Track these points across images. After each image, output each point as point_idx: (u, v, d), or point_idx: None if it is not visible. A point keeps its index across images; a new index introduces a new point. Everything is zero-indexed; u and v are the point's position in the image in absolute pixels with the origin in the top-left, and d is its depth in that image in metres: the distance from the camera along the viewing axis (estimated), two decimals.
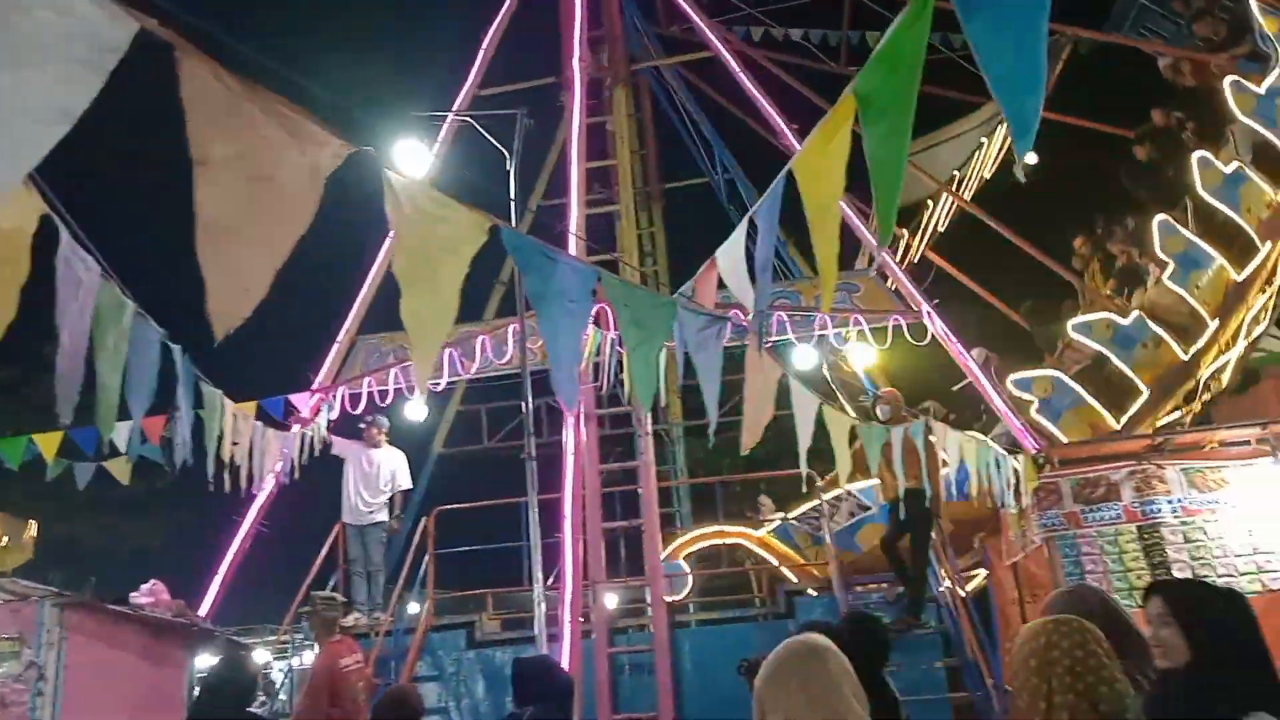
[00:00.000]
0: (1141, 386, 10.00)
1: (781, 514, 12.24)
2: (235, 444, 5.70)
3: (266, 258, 2.00)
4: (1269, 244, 10.40)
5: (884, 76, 2.23)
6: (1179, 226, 10.69)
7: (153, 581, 9.16)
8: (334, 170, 2.09)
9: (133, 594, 8.93)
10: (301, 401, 10.48)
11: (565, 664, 8.28)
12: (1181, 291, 10.30)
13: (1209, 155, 10.87)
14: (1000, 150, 14.86)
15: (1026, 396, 10.41)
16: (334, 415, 10.73)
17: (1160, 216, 10.77)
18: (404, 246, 2.34)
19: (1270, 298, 10.82)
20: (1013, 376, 10.48)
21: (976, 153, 15.19)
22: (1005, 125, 14.36)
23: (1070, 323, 10.63)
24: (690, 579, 11.82)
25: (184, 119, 1.86)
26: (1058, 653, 2.20)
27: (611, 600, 10.65)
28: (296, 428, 9.61)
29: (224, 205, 1.94)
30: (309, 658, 10.01)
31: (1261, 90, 10.93)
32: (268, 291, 2.01)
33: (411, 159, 8.73)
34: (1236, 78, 11.07)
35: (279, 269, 2.04)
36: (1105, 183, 13.34)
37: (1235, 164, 10.74)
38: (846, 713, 2.17)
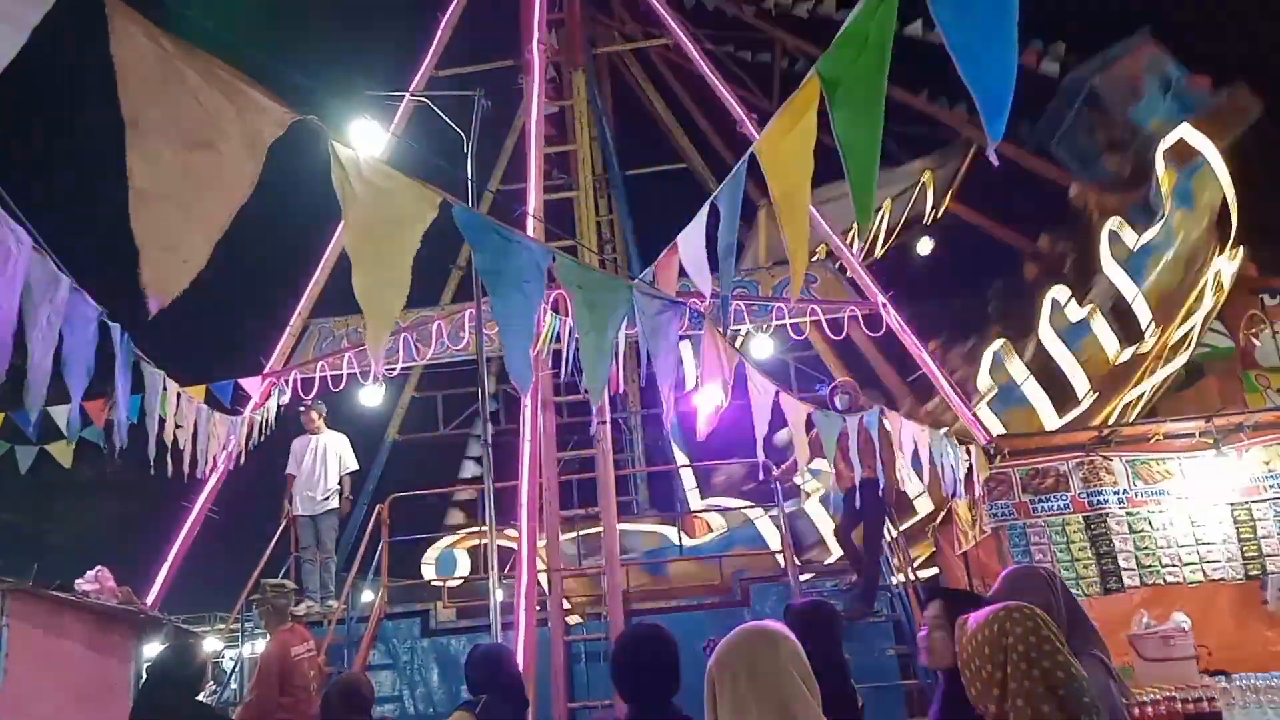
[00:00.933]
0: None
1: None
2: (179, 427, 5.55)
3: (204, 228, 1.92)
4: (1091, 397, 10.52)
5: (851, 58, 2.20)
6: (1008, 360, 10.87)
7: (98, 568, 8.95)
8: (275, 139, 2.01)
9: (78, 581, 8.72)
10: (252, 386, 10.28)
11: (520, 653, 8.23)
12: (994, 420, 10.41)
13: (1060, 298, 11.00)
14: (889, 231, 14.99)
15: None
16: (285, 400, 10.54)
17: (994, 345, 10.93)
18: (353, 222, 2.27)
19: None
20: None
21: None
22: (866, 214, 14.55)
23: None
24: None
25: (115, 79, 1.77)
26: (1012, 639, 2.19)
27: (569, 587, 10.61)
28: (246, 412, 9.43)
29: (158, 171, 1.86)
30: (260, 646, 9.87)
31: (1136, 244, 11.04)
32: (206, 264, 1.93)
33: (366, 139, 8.57)
34: (1118, 225, 11.18)
35: (218, 240, 1.96)
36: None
37: (1086, 311, 10.85)
38: (793, 697, 2.16)
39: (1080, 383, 10.65)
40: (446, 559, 12.48)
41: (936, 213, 15.69)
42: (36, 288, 2.54)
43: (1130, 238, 11.16)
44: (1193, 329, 11.30)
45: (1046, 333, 10.92)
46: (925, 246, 13.11)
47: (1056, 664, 2.15)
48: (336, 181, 2.20)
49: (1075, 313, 10.92)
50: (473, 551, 12.51)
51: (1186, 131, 11.12)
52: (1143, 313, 10.84)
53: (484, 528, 11.00)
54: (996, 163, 1.83)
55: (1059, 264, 12.55)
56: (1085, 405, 10.52)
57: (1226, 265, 11.31)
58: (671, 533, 12.17)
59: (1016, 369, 10.84)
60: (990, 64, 1.84)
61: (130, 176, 1.82)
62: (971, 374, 11.40)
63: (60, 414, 8.24)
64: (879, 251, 15.39)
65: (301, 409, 10.42)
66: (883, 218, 15.09)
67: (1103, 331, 10.78)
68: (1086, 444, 8.17)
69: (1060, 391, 10.72)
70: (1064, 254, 12.54)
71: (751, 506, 11.34)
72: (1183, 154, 11.25)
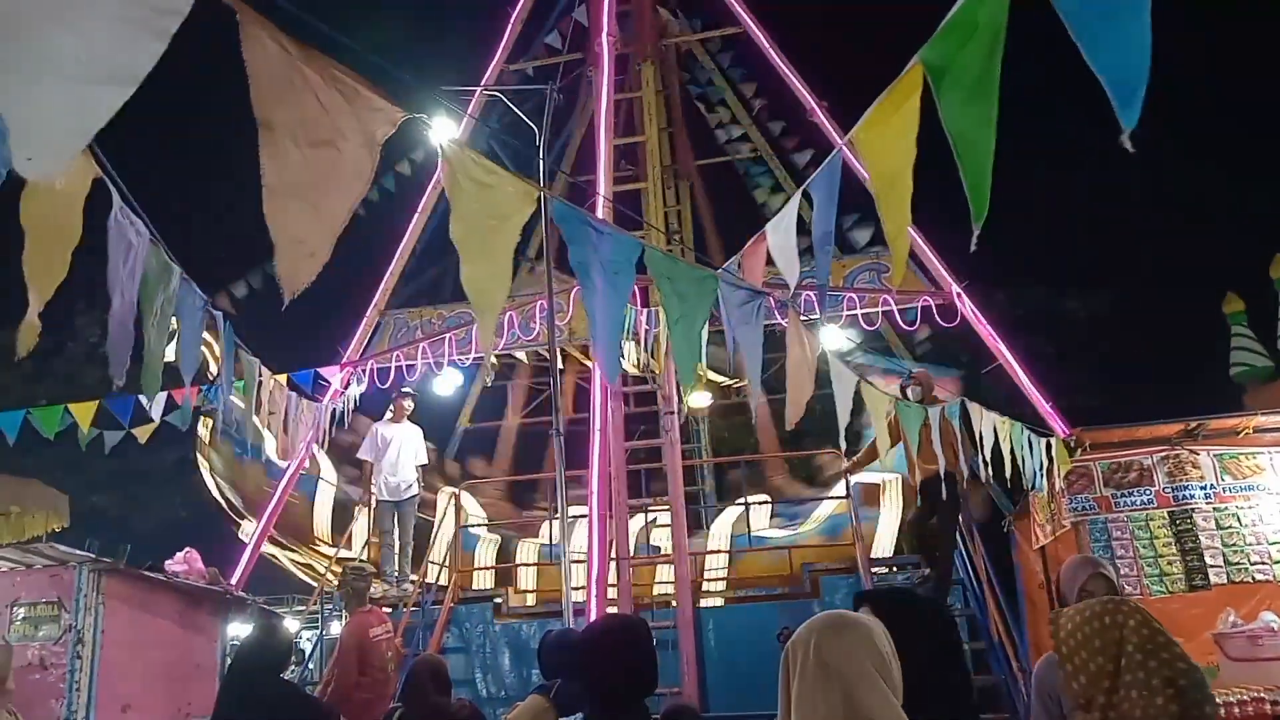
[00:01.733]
0: None
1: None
2: (272, 414, 5.74)
3: (328, 223, 2.00)
4: None
5: (957, 46, 2.16)
6: None
7: (186, 550, 9.30)
8: (388, 136, 2.08)
9: (167, 562, 9.07)
10: (331, 375, 10.55)
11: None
12: None
13: None
14: None
15: None
16: (363, 389, 10.81)
17: None
18: (460, 215, 2.34)
19: None
20: None
21: None
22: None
23: None
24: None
25: (247, 83, 1.85)
26: (1126, 631, 2.16)
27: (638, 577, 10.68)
28: (326, 400, 9.70)
29: (287, 169, 1.94)
30: (337, 627, 10.15)
31: None
32: (329, 255, 2.01)
33: (441, 134, 8.70)
34: None
35: (339, 234, 2.04)
36: None
37: None
38: (860, 685, 2.11)
39: None
40: None
41: None
42: (152, 279, 2.67)
43: None
44: None
45: None
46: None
47: (1175, 655, 2.12)
48: (445, 179, 2.27)
49: None
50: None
51: None
52: None
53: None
54: (1132, 149, 1.72)
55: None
56: None
57: None
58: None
59: None
60: (1121, 45, 1.77)
61: (263, 175, 1.91)
62: None
63: (154, 400, 8.59)
64: None
65: (397, 395, 10.59)
66: None
67: None
68: (1172, 437, 7.93)
69: None
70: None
71: (828, 498, 11.25)
72: None
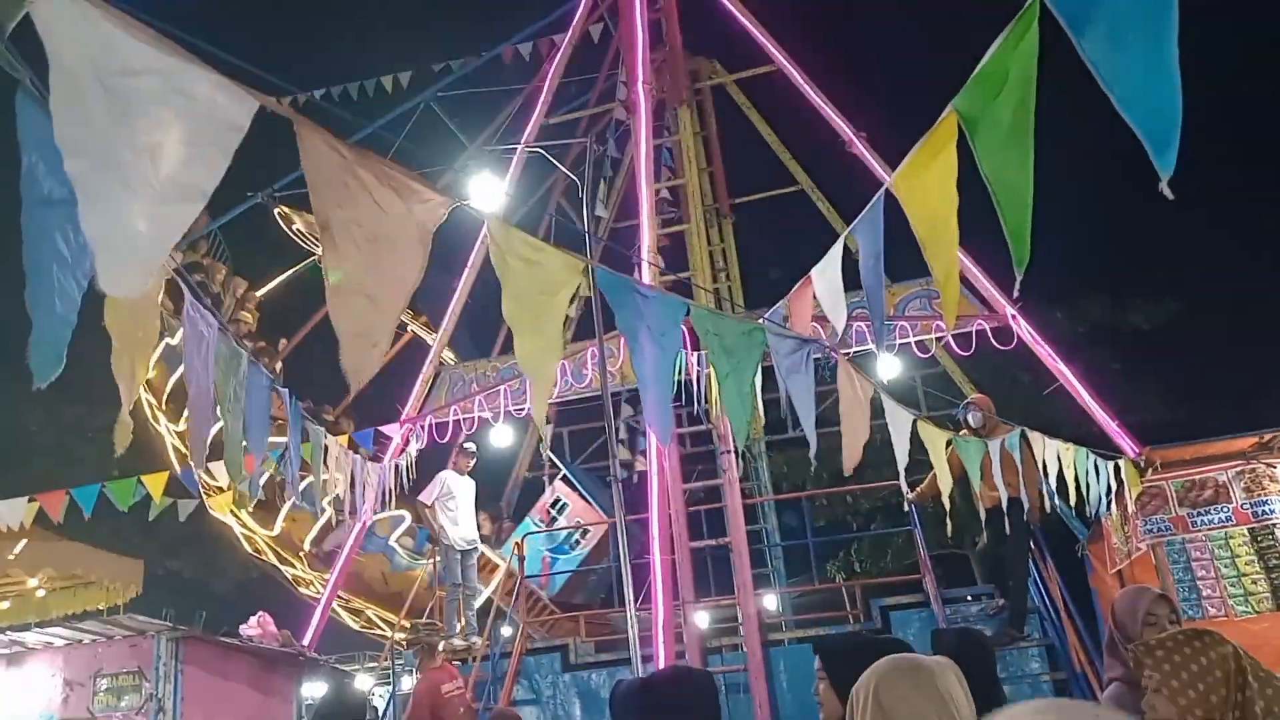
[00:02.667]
0: None
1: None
2: (339, 476, 5.89)
3: (386, 313, 2.09)
4: None
5: (990, 96, 2.20)
6: None
7: (260, 613, 9.49)
8: (439, 225, 2.17)
9: (241, 626, 9.26)
10: (391, 432, 10.75)
11: None
12: None
13: None
14: None
15: None
16: (422, 444, 10.97)
17: None
18: (510, 292, 2.42)
19: None
20: None
21: None
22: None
23: None
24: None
25: (307, 187, 1.96)
26: (1242, 661, 2.13)
27: (703, 620, 10.61)
28: (387, 458, 9.86)
29: (347, 266, 2.04)
30: (409, 683, 10.22)
31: None
32: (389, 344, 2.10)
33: (485, 192, 8.91)
34: None
35: (397, 322, 2.12)
36: None
37: None
38: None
39: None
40: None
41: None
42: (224, 363, 2.80)
43: None
44: None
45: None
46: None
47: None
48: (494, 257, 2.35)
49: None
50: None
51: None
52: None
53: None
54: (1171, 196, 1.72)
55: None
56: None
57: None
58: None
59: None
60: (1152, 94, 1.78)
61: (325, 274, 2.01)
62: None
63: (221, 469, 8.83)
64: None
65: (458, 450, 10.71)
66: None
67: None
68: (1247, 451, 7.69)
69: None
70: None
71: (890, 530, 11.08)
72: None
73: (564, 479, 14.43)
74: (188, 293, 2.52)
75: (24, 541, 8.65)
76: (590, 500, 14.24)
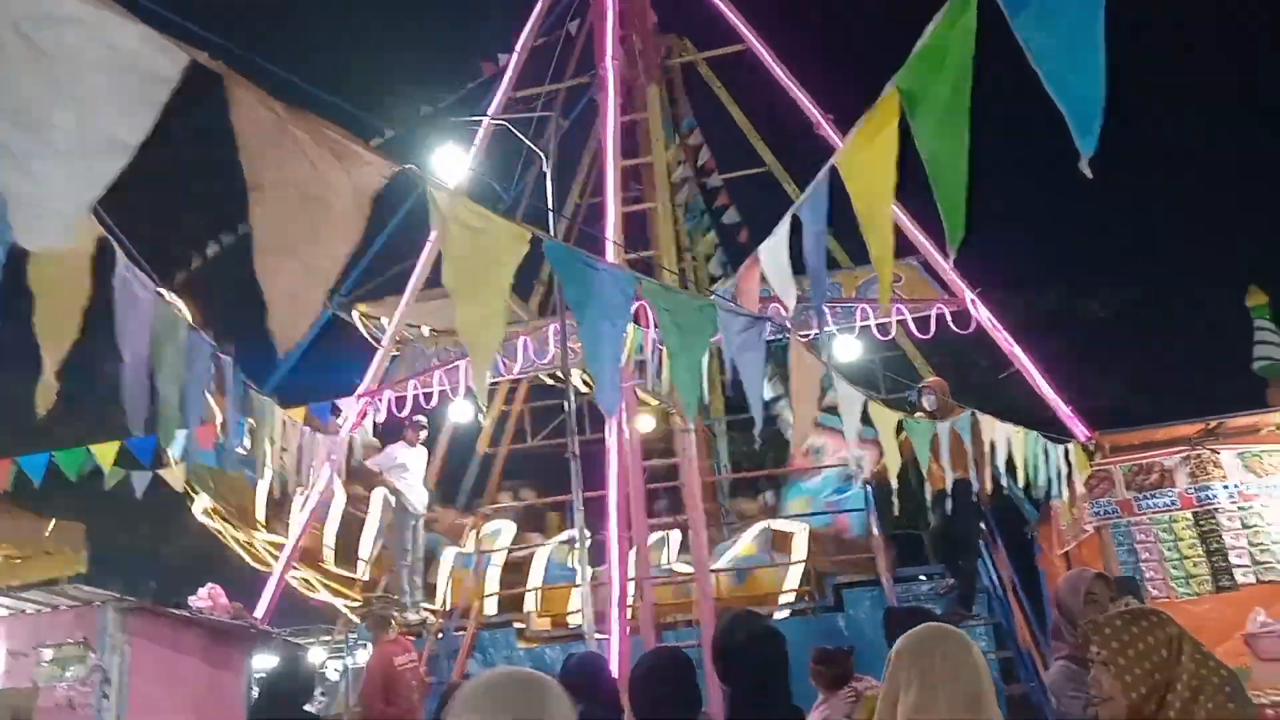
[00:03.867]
0: None
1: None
2: (284, 450, 5.81)
3: (319, 276, 2.05)
4: None
5: (930, 72, 2.21)
6: None
7: (210, 585, 9.38)
8: (378, 189, 2.13)
9: (191, 598, 9.15)
10: (348, 406, 10.64)
11: (614, 661, 8.32)
12: None
13: None
14: None
15: None
16: (380, 419, 10.89)
17: None
18: (452, 260, 2.39)
19: None
20: None
21: None
22: None
23: None
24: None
25: (236, 146, 1.91)
26: (1183, 641, 2.21)
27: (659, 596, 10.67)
28: (344, 431, 9.77)
29: (277, 227, 1.99)
30: (364, 657, 10.19)
31: None
32: (321, 307, 2.06)
33: (449, 164, 8.81)
34: None
35: (331, 287, 2.08)
36: None
37: None
38: (984, 693, 2.19)
39: None
40: None
41: None
42: (162, 329, 2.73)
43: None
44: None
45: None
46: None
47: (1218, 661, 2.17)
48: (436, 225, 2.31)
49: None
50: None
51: None
52: None
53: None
54: (1090, 175, 1.77)
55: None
56: None
57: None
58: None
59: None
60: (1077, 75, 1.81)
61: (255, 234, 1.96)
62: None
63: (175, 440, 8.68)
64: None
65: (411, 422, 10.73)
66: None
67: None
68: (1193, 437, 7.86)
69: None
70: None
71: (839, 513, 11.17)
72: None
73: None
74: (121, 255, 2.46)
75: None
76: None
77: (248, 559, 11.13)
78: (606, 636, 8.77)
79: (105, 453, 8.87)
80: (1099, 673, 2.31)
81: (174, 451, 8.40)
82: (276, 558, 10.62)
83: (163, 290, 2.89)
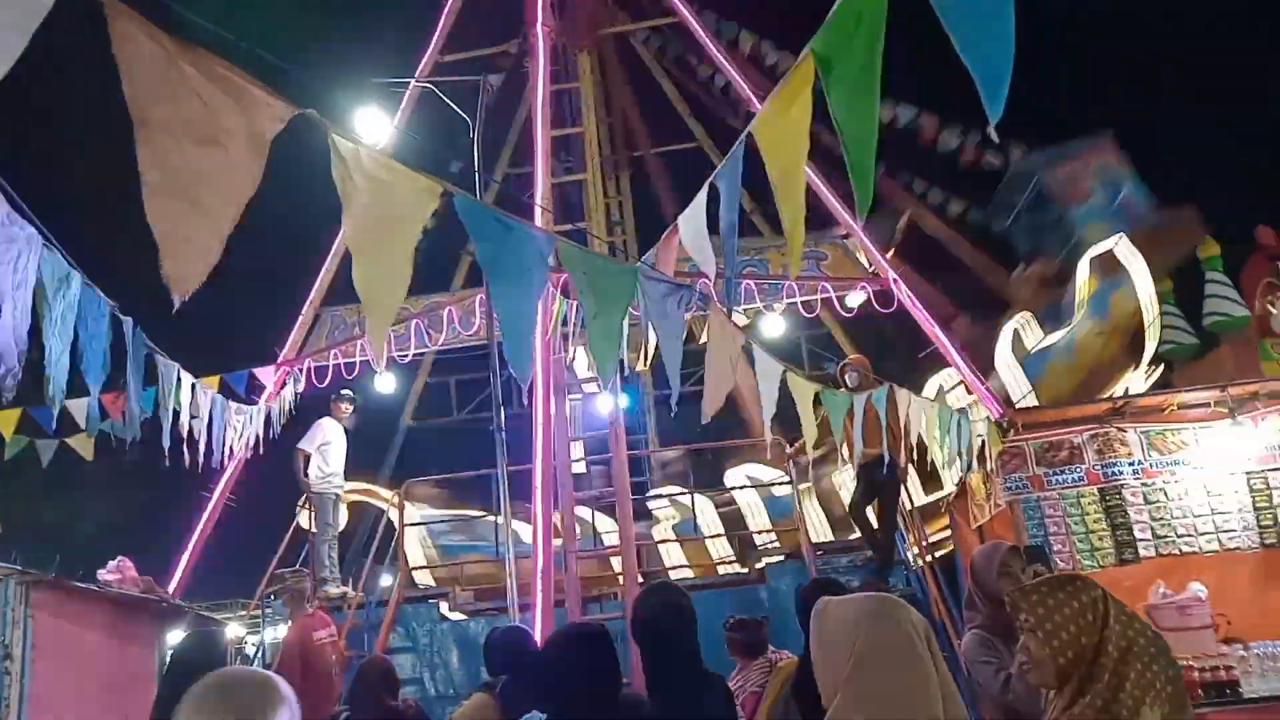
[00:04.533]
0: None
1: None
2: (194, 418, 5.61)
3: (216, 223, 1.95)
4: None
5: (844, 37, 2.19)
6: None
7: (119, 558, 9.07)
8: (278, 134, 2.03)
9: (100, 571, 8.84)
10: (266, 375, 10.36)
11: (538, 634, 8.31)
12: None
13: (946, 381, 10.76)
14: None
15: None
16: (300, 388, 10.63)
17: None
18: (353, 213, 2.29)
19: None
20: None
21: None
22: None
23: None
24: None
25: (120, 81, 1.80)
26: (1108, 605, 2.24)
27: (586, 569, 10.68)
28: (261, 401, 9.51)
29: (168, 168, 1.89)
30: (282, 631, 9.99)
31: (1032, 349, 10.95)
32: (220, 257, 1.97)
33: (372, 127, 8.58)
34: (1019, 325, 11.11)
35: (230, 234, 1.99)
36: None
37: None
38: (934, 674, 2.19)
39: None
40: None
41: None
42: (49, 285, 2.58)
43: (1033, 338, 11.00)
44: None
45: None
46: (855, 300, 12.37)
47: (1145, 624, 2.22)
48: (336, 175, 2.22)
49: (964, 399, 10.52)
50: None
51: (1121, 244, 10.37)
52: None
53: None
54: (996, 139, 1.80)
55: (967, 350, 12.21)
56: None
57: (1139, 383, 10.66)
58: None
59: None
60: (988, 43, 1.82)
61: (142, 173, 1.85)
62: None
63: (79, 407, 8.34)
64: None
65: (338, 396, 10.49)
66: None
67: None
68: (1101, 416, 8.13)
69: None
70: (978, 341, 11.96)
71: (778, 483, 11.30)
72: (1109, 265, 10.60)
73: None
74: (1, 200, 2.31)
75: None
76: None
77: None
78: (531, 610, 8.76)
79: (5, 420, 8.48)
80: (1027, 639, 2.33)
81: (81, 420, 8.09)
82: None
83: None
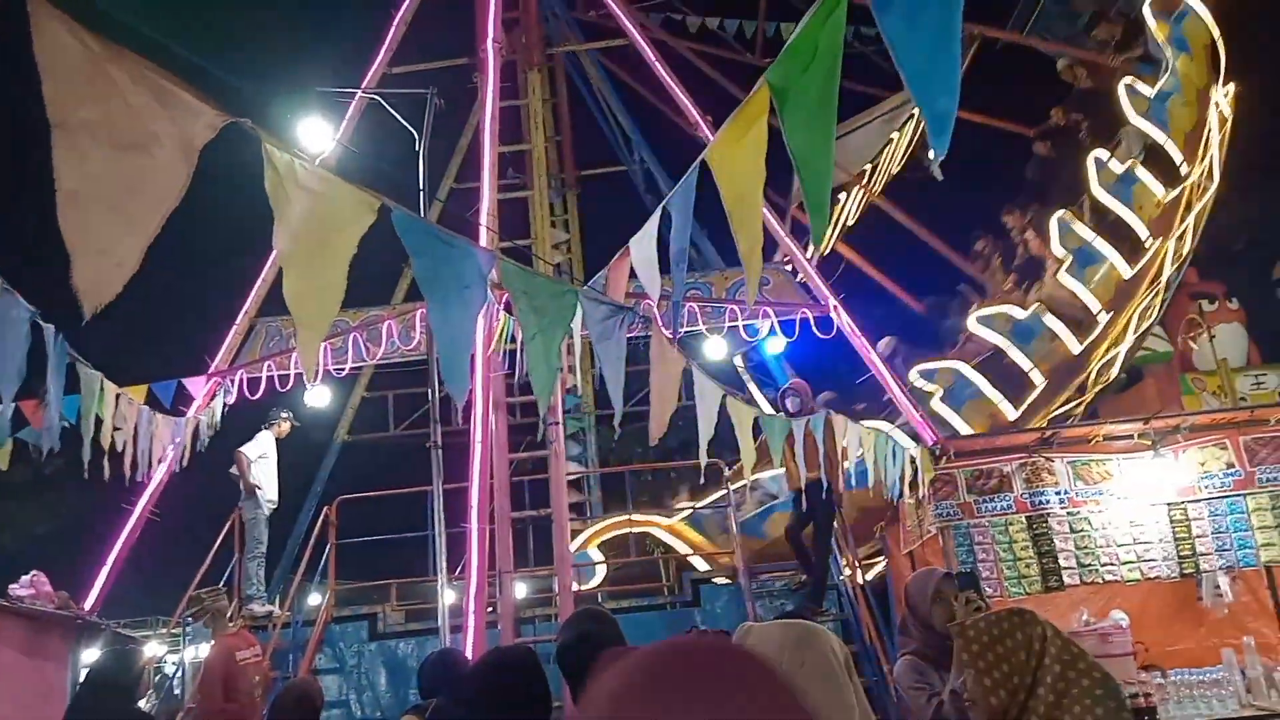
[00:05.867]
0: (1038, 378, 10.55)
1: (693, 503, 12.36)
2: (118, 429, 5.42)
3: (136, 231, 1.88)
4: (1157, 241, 11.09)
5: (800, 68, 2.21)
6: (1075, 222, 11.28)
7: (34, 573, 8.74)
8: (208, 141, 1.98)
9: (12, 586, 8.51)
10: (196, 386, 10.09)
11: (470, 655, 8.18)
12: (1077, 285, 10.91)
13: (1103, 155, 11.53)
14: (910, 145, 15.25)
15: (929, 387, 10.78)
16: (230, 400, 10.37)
17: (1058, 213, 11.38)
18: (286, 225, 2.23)
19: (1157, 295, 11.44)
20: (918, 368, 10.92)
21: (887, 147, 15.53)
22: (914, 120, 14.72)
23: (973, 315, 11.11)
24: (601, 569, 11.87)
25: (39, 79, 1.72)
26: (1046, 643, 2.18)
27: (520, 590, 10.57)
28: (190, 413, 9.26)
29: (87, 173, 1.82)
30: (204, 650, 9.68)
31: (1152, 93, 11.67)
32: (139, 266, 1.89)
33: (314, 137, 8.46)
34: (1130, 81, 11.78)
35: (150, 243, 1.92)
36: (1009, 178, 13.94)
37: (1128, 164, 11.41)
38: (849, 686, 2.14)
39: (1140, 230, 11.19)
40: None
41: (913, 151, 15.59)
42: None
43: (1145, 89, 11.77)
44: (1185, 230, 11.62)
45: (1099, 191, 11.42)
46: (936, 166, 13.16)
47: (1091, 664, 2.15)
48: (269, 185, 2.16)
49: (1118, 167, 11.46)
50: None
51: None
52: (1175, 153, 11.47)
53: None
54: (941, 177, 1.82)
55: (1073, 133, 12.98)
56: (1036, 393, 10.85)
57: (1223, 98, 11.87)
58: None
59: (1083, 231, 11.25)
60: (936, 81, 1.86)
61: (57, 178, 1.77)
62: (1043, 244, 11.84)
63: None
64: (897, 166, 15.43)
65: (282, 416, 10.34)
66: (895, 143, 15.19)
67: (1146, 177, 11.35)
68: (1029, 445, 8.32)
69: (1127, 242, 11.18)
70: (1077, 123, 12.98)
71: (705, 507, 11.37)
72: (1168, 5, 11.89)
73: None
74: None
75: None
76: None
77: None
78: (462, 631, 8.62)
79: None
80: (966, 676, 2.29)
81: None
82: None
83: None
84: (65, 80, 1.75)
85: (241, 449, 10.10)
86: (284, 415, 10.45)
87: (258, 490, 9.96)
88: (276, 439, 10.36)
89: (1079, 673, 2.17)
